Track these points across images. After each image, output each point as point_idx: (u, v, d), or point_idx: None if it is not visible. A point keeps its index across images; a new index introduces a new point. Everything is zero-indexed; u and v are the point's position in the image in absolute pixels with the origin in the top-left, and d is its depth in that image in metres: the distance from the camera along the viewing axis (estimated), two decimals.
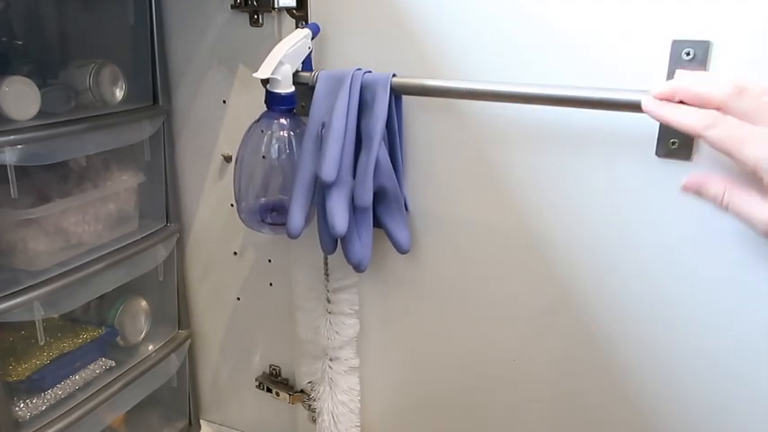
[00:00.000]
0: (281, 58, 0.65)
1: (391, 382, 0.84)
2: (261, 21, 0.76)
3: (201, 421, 1.03)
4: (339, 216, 0.65)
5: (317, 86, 0.67)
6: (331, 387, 0.83)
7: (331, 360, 0.82)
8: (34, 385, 0.73)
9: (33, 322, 0.70)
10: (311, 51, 0.70)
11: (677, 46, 0.55)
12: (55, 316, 0.78)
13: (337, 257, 0.74)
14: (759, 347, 0.59)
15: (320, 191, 0.67)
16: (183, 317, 0.95)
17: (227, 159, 0.85)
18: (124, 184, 0.82)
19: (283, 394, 0.91)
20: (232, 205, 0.85)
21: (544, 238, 0.67)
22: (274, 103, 0.67)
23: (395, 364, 0.83)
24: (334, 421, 0.84)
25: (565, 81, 0.60)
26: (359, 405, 0.85)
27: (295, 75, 0.68)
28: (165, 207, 0.88)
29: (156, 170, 0.86)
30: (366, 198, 0.66)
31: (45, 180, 0.74)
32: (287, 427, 0.95)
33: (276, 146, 0.70)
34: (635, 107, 0.54)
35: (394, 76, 0.65)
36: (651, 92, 0.50)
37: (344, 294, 0.80)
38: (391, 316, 0.80)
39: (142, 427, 0.95)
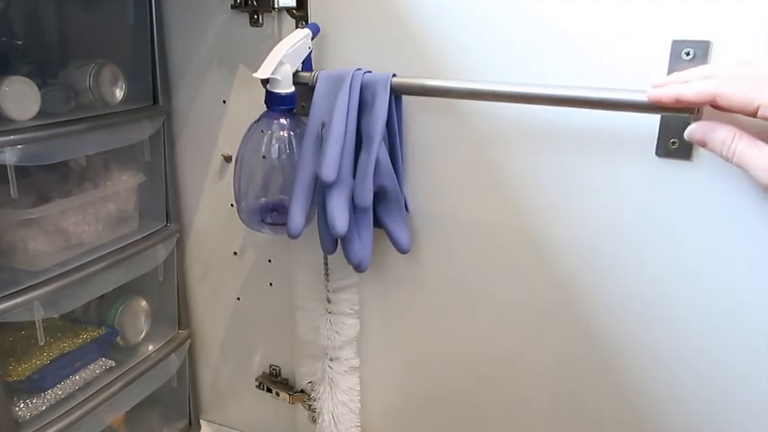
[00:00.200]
0: (282, 58, 0.65)
1: (391, 382, 0.84)
2: (261, 21, 0.76)
3: (201, 421, 1.03)
4: (339, 216, 0.65)
5: (317, 86, 0.67)
6: (331, 387, 0.83)
7: (331, 360, 0.82)
8: (34, 385, 0.73)
9: (33, 322, 0.70)
10: (311, 51, 0.70)
11: (677, 46, 0.55)
12: (55, 316, 0.78)
13: (337, 257, 0.74)
14: (759, 347, 0.59)
15: (320, 191, 0.67)
16: (182, 317, 0.95)
17: (227, 159, 0.85)
18: (124, 184, 0.82)
19: (283, 394, 0.91)
20: (232, 205, 0.85)
21: (545, 238, 0.67)
22: (274, 103, 0.67)
23: (395, 363, 0.83)
24: (335, 421, 0.84)
25: (565, 81, 0.60)
26: (359, 405, 0.85)
27: (295, 75, 0.68)
28: (165, 207, 0.88)
29: (156, 170, 0.86)
30: (366, 198, 0.66)
31: (45, 180, 0.74)
32: (287, 427, 0.95)
33: (276, 146, 0.70)
34: (635, 107, 0.54)
35: (394, 76, 0.65)
36: (651, 85, 0.51)
37: (345, 294, 0.80)
38: (391, 316, 0.80)
39: (142, 427, 0.95)
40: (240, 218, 0.75)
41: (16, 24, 0.72)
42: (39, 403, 0.73)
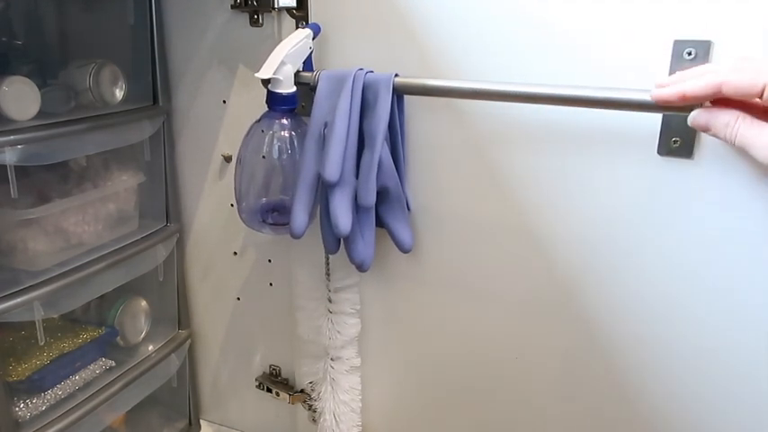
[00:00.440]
0: (283, 58, 0.65)
1: (393, 382, 0.84)
2: (261, 21, 0.75)
3: (201, 421, 1.03)
4: (342, 216, 0.65)
5: (318, 86, 0.67)
6: (333, 387, 0.83)
7: (332, 360, 0.82)
8: (34, 385, 0.73)
9: (33, 322, 0.69)
10: (312, 51, 0.70)
11: (679, 46, 0.55)
12: (55, 316, 0.78)
13: (338, 257, 0.74)
14: (759, 347, 0.60)
15: (323, 191, 0.67)
16: (182, 317, 0.95)
17: (228, 159, 0.85)
18: (124, 184, 0.82)
19: (283, 394, 0.91)
20: (232, 205, 0.85)
21: (546, 238, 0.67)
22: (276, 103, 0.67)
23: (396, 363, 0.83)
24: (336, 421, 0.84)
25: (566, 81, 0.60)
26: (360, 404, 0.85)
27: (296, 75, 0.68)
28: (165, 207, 0.88)
29: (156, 170, 0.86)
30: (369, 198, 0.66)
31: (45, 180, 0.74)
32: (287, 428, 0.95)
33: (277, 146, 0.70)
34: (637, 106, 0.54)
35: (396, 75, 0.65)
36: (655, 85, 0.51)
37: (346, 294, 0.80)
38: (393, 315, 0.80)
39: (142, 427, 0.95)
40: (241, 218, 0.75)
41: (16, 24, 0.72)
42: (39, 403, 0.72)
